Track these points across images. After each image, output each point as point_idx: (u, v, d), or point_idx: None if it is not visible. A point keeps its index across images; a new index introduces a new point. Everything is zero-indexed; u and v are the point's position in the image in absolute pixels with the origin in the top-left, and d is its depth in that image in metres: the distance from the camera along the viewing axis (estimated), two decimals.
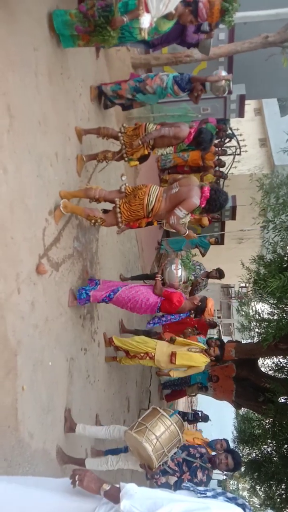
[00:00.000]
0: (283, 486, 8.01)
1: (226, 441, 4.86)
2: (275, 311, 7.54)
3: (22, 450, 2.88)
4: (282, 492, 8.09)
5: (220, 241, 10.10)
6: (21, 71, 3.13)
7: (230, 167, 10.78)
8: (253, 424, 9.36)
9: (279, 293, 6.00)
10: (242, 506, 1.86)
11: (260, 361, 8.97)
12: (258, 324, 8.22)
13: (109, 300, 4.44)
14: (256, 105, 16.38)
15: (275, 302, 6.96)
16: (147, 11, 3.46)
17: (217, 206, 4.01)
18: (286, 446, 7.40)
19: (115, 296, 4.43)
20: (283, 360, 8.48)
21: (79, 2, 4.08)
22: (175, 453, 3.55)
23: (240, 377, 8.15)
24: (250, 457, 8.96)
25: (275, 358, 8.60)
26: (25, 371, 2.99)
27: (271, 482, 8.06)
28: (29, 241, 3.18)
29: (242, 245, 12.50)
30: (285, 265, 6.44)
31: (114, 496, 1.87)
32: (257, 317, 8.16)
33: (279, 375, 8.47)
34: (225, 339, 7.34)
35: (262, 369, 8.86)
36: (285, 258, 6.63)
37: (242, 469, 9.30)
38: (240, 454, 8.73)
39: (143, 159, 4.68)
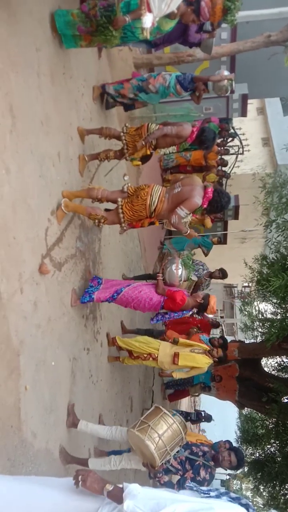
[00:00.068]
0: (286, 486, 8.00)
1: (229, 442, 4.85)
2: (278, 311, 7.53)
3: (25, 450, 2.88)
4: (286, 492, 8.07)
5: (222, 240, 10.08)
6: (24, 71, 3.13)
7: (233, 167, 10.75)
8: (257, 424, 9.35)
9: (282, 293, 5.99)
10: (246, 506, 1.85)
11: (264, 361, 8.95)
12: (261, 324, 8.20)
13: (113, 300, 4.45)
14: (259, 104, 16.33)
15: (278, 301, 6.94)
16: (149, 10, 3.46)
17: (218, 208, 4.00)
18: None
19: (119, 296, 4.43)
20: (286, 360, 8.46)
21: (81, 2, 4.07)
22: (177, 452, 3.56)
23: (243, 377, 8.14)
24: (253, 457, 8.95)
25: (278, 358, 8.58)
26: (28, 371, 2.99)
27: (275, 482, 8.04)
28: (32, 241, 3.18)
29: (245, 244, 12.47)
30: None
31: (117, 497, 1.87)
32: (260, 317, 8.14)
33: (283, 374, 8.45)
34: (228, 339, 7.32)
35: (266, 369, 8.84)
36: None
37: (246, 469, 9.30)
38: (244, 454, 8.73)
39: (145, 159, 4.67)
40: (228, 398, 8.48)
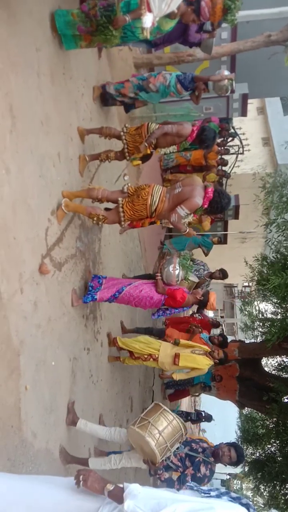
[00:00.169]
0: (287, 486, 8.00)
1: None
2: (279, 311, 7.53)
3: (25, 450, 2.88)
4: (286, 492, 8.08)
5: (223, 240, 10.08)
6: (23, 71, 3.13)
7: (233, 166, 10.75)
8: (257, 424, 9.35)
9: (282, 293, 5.99)
10: (246, 506, 1.85)
11: (264, 361, 8.96)
12: (261, 324, 8.20)
13: (114, 299, 4.46)
14: (259, 104, 16.32)
15: (278, 301, 6.95)
16: (149, 10, 3.46)
17: (218, 208, 4.00)
18: None
19: (120, 295, 4.46)
20: (286, 360, 8.46)
21: (81, 2, 4.07)
22: (177, 449, 3.57)
23: (243, 376, 8.14)
24: (254, 456, 8.95)
25: (278, 358, 8.58)
26: (28, 371, 2.99)
27: (275, 481, 8.05)
28: (32, 241, 3.18)
29: (245, 244, 12.46)
30: None
31: (117, 496, 1.87)
32: (261, 317, 8.15)
33: (283, 374, 8.45)
34: (228, 338, 7.33)
35: (266, 368, 8.84)
36: None
37: (246, 468, 9.30)
38: (243, 450, 8.74)
39: (145, 158, 4.67)
40: (228, 398, 8.49)
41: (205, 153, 8.82)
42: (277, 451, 8.17)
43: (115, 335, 5.38)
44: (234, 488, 24.85)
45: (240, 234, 10.97)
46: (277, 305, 7.35)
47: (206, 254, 8.89)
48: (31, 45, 3.32)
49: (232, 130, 10.34)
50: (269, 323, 7.40)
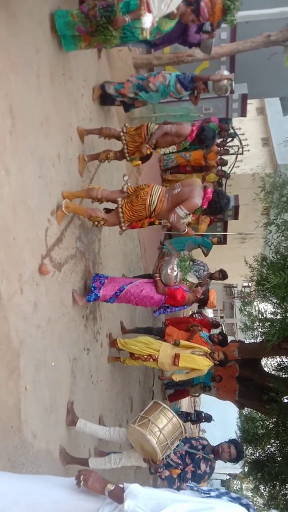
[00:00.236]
0: (287, 486, 8.00)
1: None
2: (278, 311, 7.53)
3: (25, 450, 2.88)
4: (286, 492, 8.08)
5: (222, 240, 10.09)
6: (23, 72, 3.13)
7: (233, 167, 10.75)
8: (257, 424, 9.35)
9: (282, 293, 5.99)
10: (246, 506, 1.85)
11: (263, 361, 8.95)
12: (261, 324, 8.20)
13: (116, 297, 4.47)
14: (259, 104, 16.33)
15: (278, 301, 6.95)
16: (149, 10, 3.46)
17: (217, 209, 4.01)
18: None
19: (121, 294, 4.48)
20: (286, 360, 8.46)
21: (80, 3, 4.08)
22: (177, 446, 3.58)
23: (243, 377, 8.14)
24: (253, 457, 8.95)
25: (278, 358, 8.58)
26: (28, 371, 2.99)
27: (275, 482, 8.05)
28: (32, 242, 3.18)
29: (245, 244, 12.47)
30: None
31: (118, 496, 1.88)
32: (260, 317, 8.14)
33: (283, 374, 8.45)
34: (228, 339, 7.33)
35: (265, 369, 8.84)
36: None
37: (246, 469, 9.30)
38: (243, 450, 8.74)
39: (145, 158, 4.68)
40: (228, 398, 8.49)
41: (205, 154, 8.82)
42: (277, 451, 8.17)
43: (115, 335, 5.39)
44: (234, 488, 24.86)
45: (239, 234, 10.97)
46: (277, 305, 7.35)
47: (205, 255, 8.89)
48: (31, 45, 3.32)
49: (231, 131, 10.35)
50: (268, 323, 7.40)
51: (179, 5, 3.84)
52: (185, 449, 3.73)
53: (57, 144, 3.79)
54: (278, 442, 7.72)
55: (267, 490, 8.62)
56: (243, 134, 13.56)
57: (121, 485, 1.91)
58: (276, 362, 8.73)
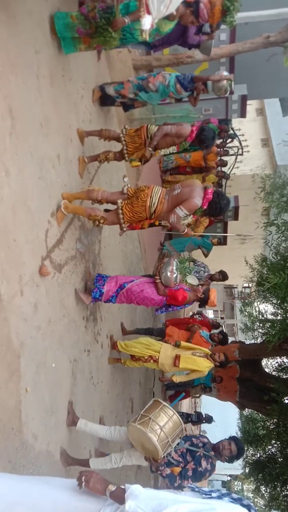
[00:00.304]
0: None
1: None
2: (279, 312, 7.53)
3: (26, 452, 2.88)
4: (287, 493, 8.07)
5: (222, 241, 10.09)
6: (23, 73, 3.14)
7: (232, 168, 10.76)
8: (257, 425, 9.35)
9: (282, 293, 5.99)
10: (248, 507, 1.85)
11: (264, 362, 8.95)
12: (261, 325, 8.20)
13: (117, 295, 4.49)
14: (258, 105, 16.36)
15: (278, 302, 6.94)
16: (148, 12, 3.46)
17: (217, 209, 4.02)
18: None
19: (122, 291, 4.50)
20: (286, 360, 8.45)
21: (80, 5, 4.09)
22: (178, 444, 3.58)
23: (243, 377, 8.13)
24: (254, 457, 8.94)
25: (278, 359, 8.58)
26: (28, 373, 2.99)
27: (276, 483, 8.05)
28: (32, 243, 3.18)
29: (245, 245, 12.48)
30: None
31: (119, 497, 1.88)
32: (261, 318, 8.14)
33: (283, 375, 8.44)
34: (228, 338, 7.33)
35: (266, 369, 8.84)
36: None
37: (247, 470, 9.29)
38: (245, 455, 8.74)
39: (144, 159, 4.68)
40: (228, 399, 8.48)
41: (205, 154, 8.82)
42: (277, 452, 8.17)
43: (116, 336, 5.39)
44: (235, 489, 24.84)
45: (238, 236, 10.98)
46: (277, 306, 7.35)
47: (206, 255, 8.89)
48: (31, 46, 3.32)
49: (231, 132, 10.36)
50: (269, 324, 7.40)
51: (179, 7, 3.85)
52: (185, 447, 3.73)
53: (57, 146, 3.79)
54: (279, 443, 7.72)
55: (268, 491, 8.61)
56: (242, 135, 13.59)
57: (122, 486, 1.91)
58: (277, 362, 8.73)
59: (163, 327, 6.59)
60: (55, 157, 3.72)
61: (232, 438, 3.90)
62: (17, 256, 2.94)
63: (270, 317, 7.91)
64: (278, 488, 8.12)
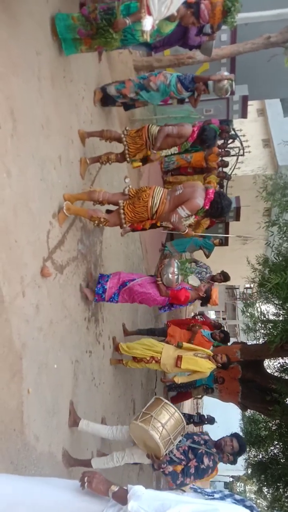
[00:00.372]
0: None
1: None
2: (281, 312, 7.51)
3: (28, 453, 2.88)
4: None
5: (224, 242, 10.09)
6: (24, 74, 3.14)
7: (234, 168, 10.76)
8: (260, 426, 9.31)
9: (285, 294, 5.98)
10: (250, 508, 1.85)
11: (266, 362, 8.93)
12: (263, 325, 8.19)
13: (119, 292, 4.50)
14: (259, 105, 16.35)
15: (280, 302, 6.93)
16: (149, 13, 3.46)
17: (219, 210, 4.02)
18: None
19: (123, 289, 4.52)
20: None
21: (81, 6, 4.09)
22: (180, 442, 3.58)
23: (245, 378, 8.11)
24: (256, 459, 8.91)
25: (281, 359, 8.56)
26: (30, 374, 2.99)
27: (278, 484, 8.02)
28: (33, 244, 3.18)
29: (246, 246, 12.47)
30: None
31: (122, 498, 1.88)
32: (263, 318, 8.13)
33: (285, 376, 8.42)
34: (231, 340, 7.33)
35: (268, 370, 8.81)
36: None
37: (249, 471, 9.27)
38: (247, 456, 8.72)
39: (145, 160, 4.69)
40: (231, 400, 8.45)
41: (206, 155, 8.83)
42: (280, 453, 8.13)
43: (117, 337, 5.39)
44: (238, 490, 24.79)
45: (238, 237, 10.97)
46: (279, 307, 7.34)
47: (207, 256, 8.89)
48: (32, 47, 3.33)
49: (232, 132, 10.35)
50: (271, 324, 7.39)
51: (179, 8, 3.86)
52: (187, 444, 3.72)
53: (58, 147, 3.80)
54: (281, 444, 7.69)
55: (270, 492, 8.58)
56: (244, 136, 13.59)
57: (125, 487, 1.91)
58: (279, 363, 8.70)
59: (165, 327, 6.59)
60: (56, 158, 3.73)
61: (234, 435, 3.90)
62: (18, 257, 2.94)
63: (272, 317, 7.89)
64: (280, 489, 8.09)
